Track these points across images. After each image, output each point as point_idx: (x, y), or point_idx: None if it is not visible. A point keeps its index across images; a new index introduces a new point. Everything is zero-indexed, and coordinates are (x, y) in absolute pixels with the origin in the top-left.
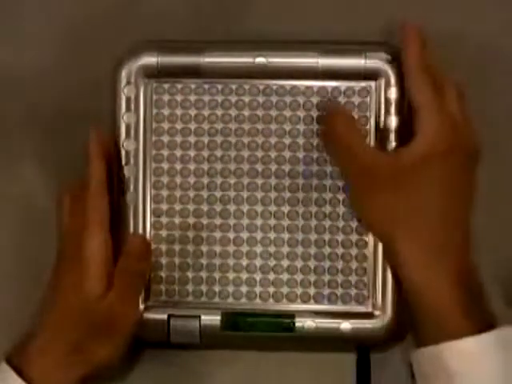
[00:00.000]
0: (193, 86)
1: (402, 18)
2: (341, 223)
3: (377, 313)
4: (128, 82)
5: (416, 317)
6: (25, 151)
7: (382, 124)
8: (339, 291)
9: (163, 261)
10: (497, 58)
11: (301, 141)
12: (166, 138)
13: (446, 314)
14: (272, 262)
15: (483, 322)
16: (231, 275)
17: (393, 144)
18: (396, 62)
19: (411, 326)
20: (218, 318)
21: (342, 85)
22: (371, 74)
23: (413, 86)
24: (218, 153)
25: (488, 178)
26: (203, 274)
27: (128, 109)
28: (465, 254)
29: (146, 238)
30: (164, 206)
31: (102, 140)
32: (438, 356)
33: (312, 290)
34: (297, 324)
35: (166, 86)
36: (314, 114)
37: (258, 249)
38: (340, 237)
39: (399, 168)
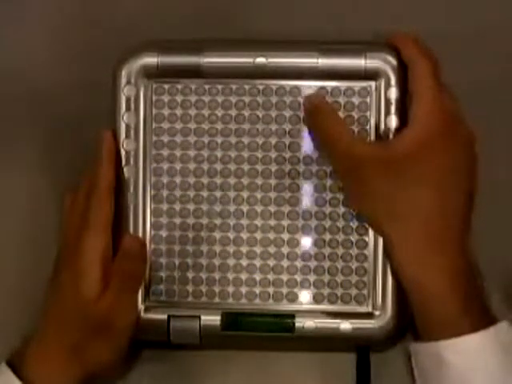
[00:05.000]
0: (193, 86)
1: (401, 19)
2: (341, 223)
3: (377, 313)
4: (128, 82)
5: (414, 311)
6: (25, 151)
7: (382, 124)
8: (339, 291)
9: (163, 261)
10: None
11: (301, 141)
12: (165, 138)
13: (442, 310)
14: (272, 262)
15: (481, 319)
16: (231, 275)
17: None
18: (396, 61)
19: (411, 319)
20: (218, 318)
21: (342, 85)
22: (371, 74)
23: (413, 71)
24: (218, 153)
25: (487, 176)
26: (203, 275)
27: (128, 109)
28: (462, 246)
29: (141, 238)
30: (164, 206)
31: (113, 142)
32: (438, 353)
33: (312, 290)
34: (297, 324)
35: (166, 86)
36: None
37: (258, 249)
38: (340, 237)
39: (393, 157)
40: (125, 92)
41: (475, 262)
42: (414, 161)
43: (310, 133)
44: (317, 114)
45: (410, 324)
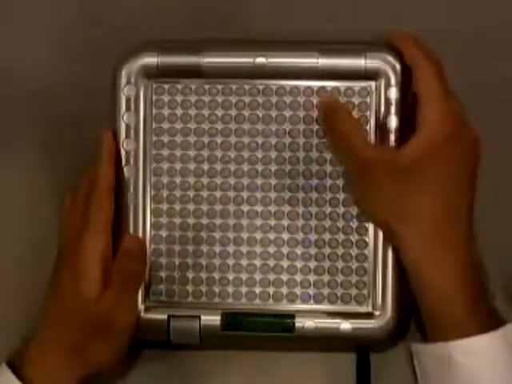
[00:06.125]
0: (193, 87)
1: (401, 19)
2: (341, 223)
3: (377, 313)
4: (128, 82)
5: (422, 311)
6: (25, 151)
7: (382, 124)
8: (339, 291)
9: (163, 261)
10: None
11: (301, 141)
12: (166, 138)
13: (452, 310)
14: (272, 262)
15: (489, 320)
16: (231, 275)
17: (393, 144)
18: (396, 61)
19: (417, 320)
20: (218, 318)
21: (342, 85)
22: (371, 74)
23: (418, 73)
24: (218, 153)
25: (487, 176)
26: (203, 275)
27: (128, 109)
28: (470, 247)
29: (140, 238)
30: (164, 206)
31: (113, 142)
32: (446, 353)
33: (312, 290)
34: (297, 324)
35: (166, 86)
36: (314, 113)
37: (258, 249)
38: (340, 237)
39: (404, 163)
40: (125, 92)
41: (482, 262)
42: (423, 165)
43: (323, 133)
44: (331, 114)
45: (411, 324)
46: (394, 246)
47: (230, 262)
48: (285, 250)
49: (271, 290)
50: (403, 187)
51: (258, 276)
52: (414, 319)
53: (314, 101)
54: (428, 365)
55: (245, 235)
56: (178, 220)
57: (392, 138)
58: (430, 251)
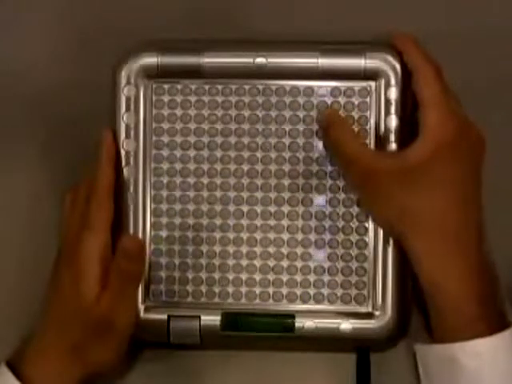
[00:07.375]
0: (193, 87)
1: (401, 19)
2: (341, 223)
3: (377, 313)
4: (128, 82)
5: (430, 313)
6: (25, 151)
7: (382, 124)
8: (339, 291)
9: (163, 261)
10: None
11: (301, 141)
12: (165, 138)
13: (459, 311)
14: (272, 263)
15: (497, 322)
16: (231, 275)
17: (393, 144)
18: (396, 61)
19: (425, 319)
20: (218, 318)
21: (342, 85)
22: (371, 74)
23: (420, 79)
24: (218, 153)
25: (488, 176)
26: (203, 275)
27: (128, 109)
28: (480, 247)
29: (139, 238)
30: (164, 206)
31: (113, 142)
32: (452, 355)
33: (312, 290)
34: (297, 324)
35: (166, 86)
36: (314, 114)
37: (258, 249)
38: (340, 237)
39: (408, 168)
40: (125, 92)
41: (493, 263)
42: (429, 167)
43: (324, 146)
44: (329, 127)
45: (411, 323)
46: (394, 245)
47: (230, 262)
48: (285, 250)
49: (271, 290)
50: (408, 189)
51: (257, 276)
52: (422, 319)
53: (314, 101)
54: (432, 366)
55: (245, 235)
56: (178, 220)
57: (392, 137)
58: (438, 252)
